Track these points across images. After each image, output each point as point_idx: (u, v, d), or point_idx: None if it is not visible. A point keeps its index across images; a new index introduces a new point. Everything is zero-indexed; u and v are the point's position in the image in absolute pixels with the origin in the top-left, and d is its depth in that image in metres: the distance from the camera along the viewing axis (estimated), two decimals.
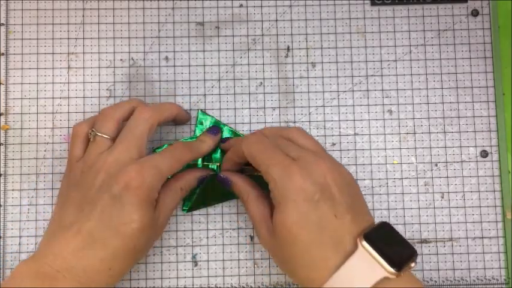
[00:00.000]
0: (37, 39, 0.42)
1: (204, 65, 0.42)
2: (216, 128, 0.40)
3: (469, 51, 0.42)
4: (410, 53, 0.42)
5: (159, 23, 0.42)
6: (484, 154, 0.42)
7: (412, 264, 0.32)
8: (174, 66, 0.42)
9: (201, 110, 0.41)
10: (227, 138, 0.40)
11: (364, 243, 0.31)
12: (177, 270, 0.40)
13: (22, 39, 0.42)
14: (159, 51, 0.42)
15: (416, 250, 0.32)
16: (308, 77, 0.42)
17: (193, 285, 0.40)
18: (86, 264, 0.33)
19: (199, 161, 0.40)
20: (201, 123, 0.41)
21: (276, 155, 0.34)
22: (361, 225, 0.33)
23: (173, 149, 0.37)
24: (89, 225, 0.33)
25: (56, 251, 0.33)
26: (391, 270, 0.30)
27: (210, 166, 0.40)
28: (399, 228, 0.41)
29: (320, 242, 0.32)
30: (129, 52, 0.42)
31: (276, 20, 0.42)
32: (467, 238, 0.41)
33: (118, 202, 0.33)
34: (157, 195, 0.35)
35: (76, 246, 0.33)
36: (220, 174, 0.38)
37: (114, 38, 0.42)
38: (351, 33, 0.42)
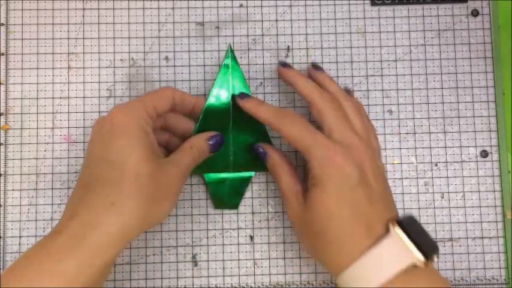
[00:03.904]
0: (37, 39, 0.42)
1: (204, 65, 0.42)
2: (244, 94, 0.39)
3: (469, 51, 0.42)
4: (410, 53, 0.42)
5: (159, 23, 0.42)
6: (484, 154, 0.42)
7: (435, 259, 0.33)
8: (174, 66, 0.42)
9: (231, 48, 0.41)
10: (245, 95, 0.39)
11: (397, 228, 0.32)
12: (177, 270, 0.40)
13: (22, 39, 0.42)
14: (159, 51, 0.42)
15: (438, 247, 0.34)
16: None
17: (193, 285, 0.40)
18: (91, 206, 0.32)
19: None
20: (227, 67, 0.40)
21: (317, 136, 0.35)
22: (391, 214, 0.34)
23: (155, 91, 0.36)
24: (88, 169, 0.33)
25: (67, 207, 0.33)
26: (421, 258, 0.31)
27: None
28: None
29: (353, 222, 0.33)
30: (129, 52, 0.42)
31: (276, 20, 0.42)
32: (467, 238, 0.41)
33: (108, 139, 0.33)
34: (172, 158, 0.35)
35: (81, 194, 0.33)
36: (257, 146, 0.39)
37: (114, 38, 0.42)
38: (351, 33, 0.42)
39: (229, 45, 0.41)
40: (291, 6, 0.42)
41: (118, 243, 0.32)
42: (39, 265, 0.30)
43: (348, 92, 0.40)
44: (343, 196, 0.33)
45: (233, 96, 0.39)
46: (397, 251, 0.32)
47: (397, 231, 0.32)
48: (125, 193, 0.32)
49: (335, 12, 0.42)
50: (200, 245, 0.41)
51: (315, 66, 0.40)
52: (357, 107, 0.37)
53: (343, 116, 0.36)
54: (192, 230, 0.41)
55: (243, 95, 0.39)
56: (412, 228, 0.33)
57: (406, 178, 0.41)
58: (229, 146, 0.40)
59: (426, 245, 0.32)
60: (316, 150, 0.34)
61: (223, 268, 0.40)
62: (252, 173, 0.40)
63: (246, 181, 0.40)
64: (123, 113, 0.34)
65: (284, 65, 0.39)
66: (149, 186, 0.32)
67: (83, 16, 0.42)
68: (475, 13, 0.42)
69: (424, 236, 0.33)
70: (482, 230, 0.41)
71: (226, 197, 0.40)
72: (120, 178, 0.32)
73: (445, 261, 0.41)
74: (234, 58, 0.40)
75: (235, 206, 0.41)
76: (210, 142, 0.38)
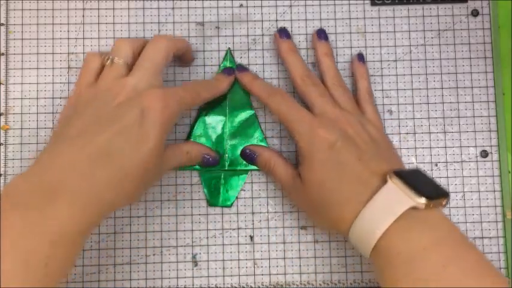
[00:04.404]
0: (37, 39, 0.42)
1: (204, 65, 0.42)
2: (230, 69, 0.41)
3: (469, 51, 0.42)
4: (410, 53, 0.42)
5: (159, 23, 0.42)
6: (484, 154, 0.42)
7: (444, 202, 0.33)
8: (174, 66, 0.42)
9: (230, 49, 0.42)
10: (243, 68, 0.41)
11: (394, 177, 0.33)
12: (177, 270, 0.40)
13: (22, 39, 0.42)
14: None
15: (448, 193, 0.33)
16: None
17: (193, 285, 0.40)
18: (95, 178, 0.31)
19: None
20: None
21: (301, 112, 0.37)
22: (388, 167, 0.34)
23: (193, 83, 0.38)
24: (105, 137, 0.32)
25: (60, 162, 0.31)
26: (419, 200, 0.31)
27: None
28: None
29: (347, 183, 0.34)
30: None
31: (276, 20, 0.42)
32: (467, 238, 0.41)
33: (139, 120, 0.32)
34: (166, 152, 0.36)
35: (86, 157, 0.31)
36: (245, 150, 0.40)
37: (114, 38, 0.42)
38: (351, 33, 0.42)
39: (228, 48, 0.41)
40: (291, 6, 0.42)
41: (99, 221, 0.33)
42: (37, 228, 0.28)
43: (360, 58, 0.41)
44: (330, 162, 0.34)
45: (229, 97, 0.41)
46: (395, 198, 0.32)
47: (394, 180, 0.32)
48: (130, 181, 0.32)
49: (335, 12, 0.42)
50: (200, 245, 0.41)
51: (320, 34, 0.41)
52: (344, 89, 0.39)
53: (326, 95, 0.37)
54: (192, 230, 0.41)
55: (240, 68, 0.41)
56: (411, 176, 0.33)
57: None
58: (225, 144, 0.40)
59: (426, 188, 0.32)
60: (300, 125, 0.36)
61: (223, 268, 0.40)
62: (248, 171, 0.41)
63: (242, 178, 0.41)
64: (163, 106, 0.33)
65: (282, 32, 0.41)
66: (151, 175, 0.34)
67: (83, 16, 0.42)
68: (475, 13, 0.43)
69: (426, 181, 0.34)
70: (482, 230, 0.41)
71: (222, 194, 0.40)
72: (133, 168, 0.32)
73: None
74: (232, 60, 0.41)
75: (230, 204, 0.41)
76: (205, 158, 0.39)
